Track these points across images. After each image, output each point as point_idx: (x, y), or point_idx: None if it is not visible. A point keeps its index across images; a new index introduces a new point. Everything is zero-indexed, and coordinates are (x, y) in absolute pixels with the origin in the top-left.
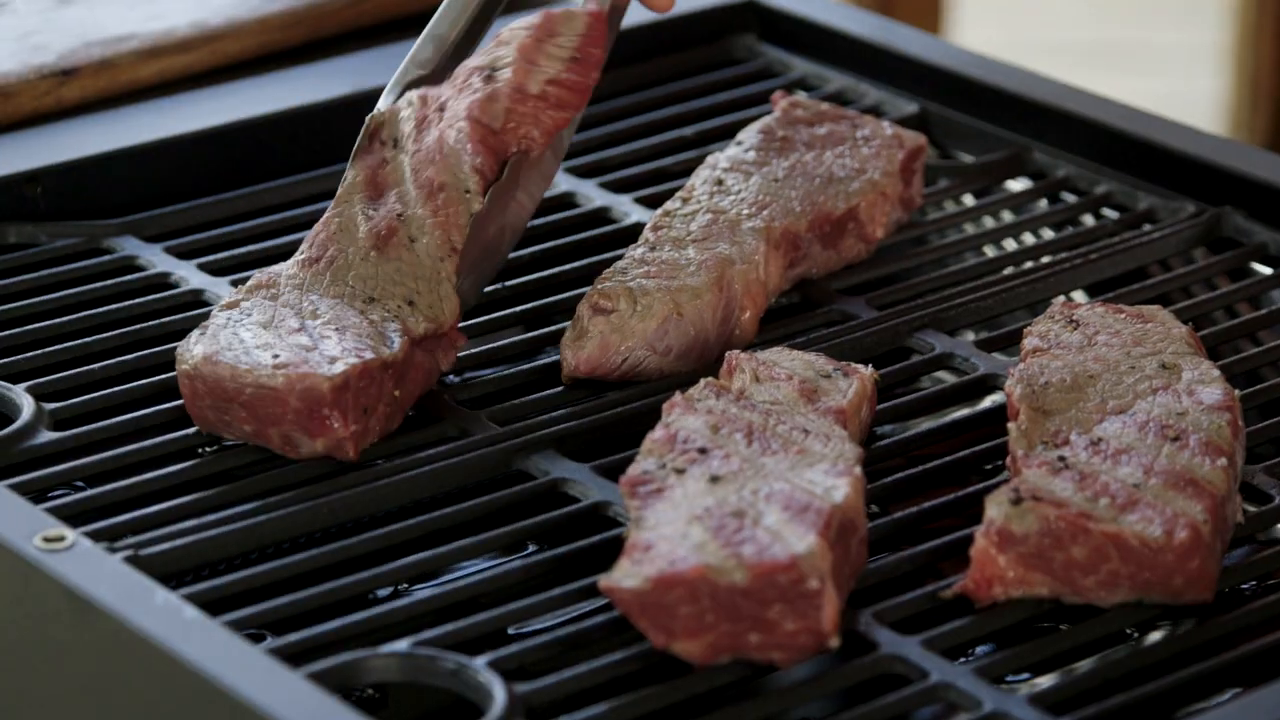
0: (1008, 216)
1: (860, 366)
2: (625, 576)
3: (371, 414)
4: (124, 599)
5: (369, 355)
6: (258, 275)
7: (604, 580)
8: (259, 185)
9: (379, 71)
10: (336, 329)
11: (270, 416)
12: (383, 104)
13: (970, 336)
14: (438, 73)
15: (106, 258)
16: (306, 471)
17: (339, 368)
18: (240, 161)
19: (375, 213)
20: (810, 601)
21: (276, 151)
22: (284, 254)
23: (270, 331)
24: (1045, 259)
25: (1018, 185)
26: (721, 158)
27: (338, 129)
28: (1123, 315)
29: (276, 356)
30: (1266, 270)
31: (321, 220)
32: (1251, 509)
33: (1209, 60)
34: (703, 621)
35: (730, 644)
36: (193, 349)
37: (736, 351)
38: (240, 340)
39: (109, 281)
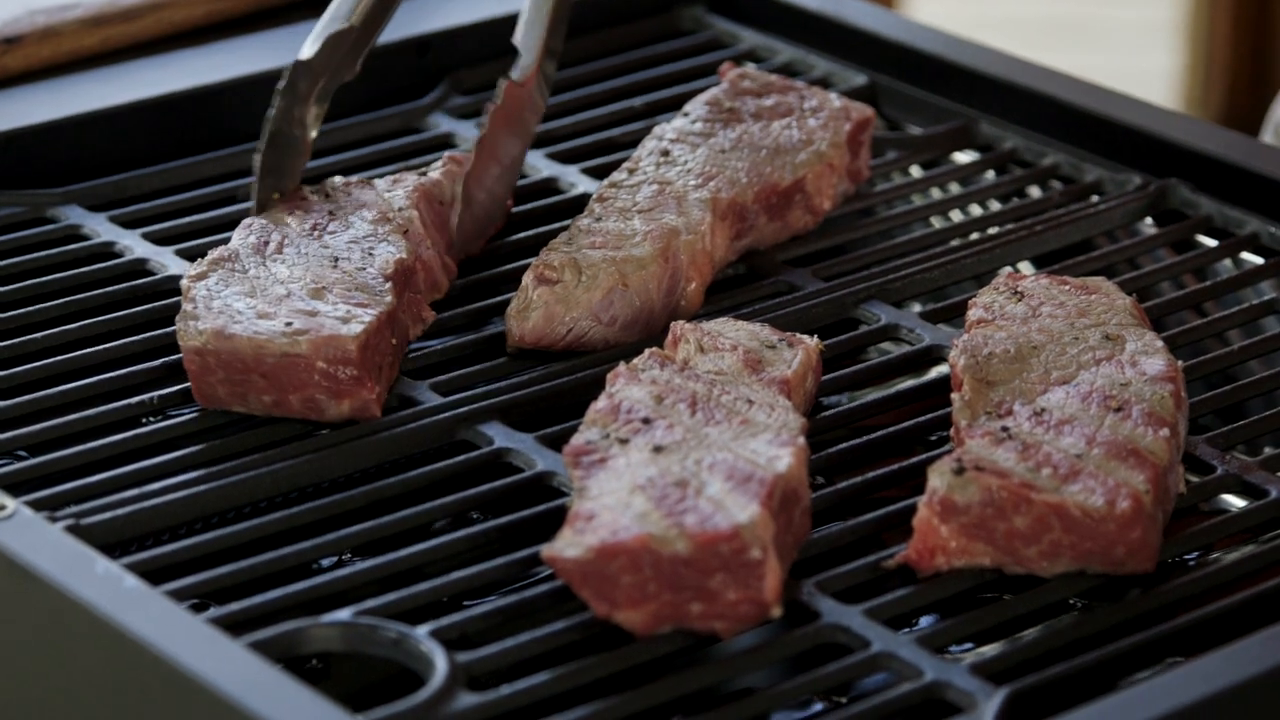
0: (955, 188)
1: (805, 337)
2: (567, 546)
3: (383, 369)
4: (64, 568)
5: (375, 310)
6: (215, 251)
7: (546, 550)
8: (204, 155)
9: None
10: (324, 288)
11: (294, 383)
12: (307, 51)
13: (917, 308)
14: (359, 28)
15: (50, 226)
16: (249, 441)
17: (356, 327)
18: (186, 131)
19: (304, 215)
20: (752, 571)
21: (222, 121)
22: (229, 224)
23: (262, 300)
24: (992, 230)
25: (965, 157)
26: (668, 129)
27: None
28: (1067, 287)
29: (289, 324)
30: (1212, 242)
31: (242, 224)
32: (1194, 479)
33: (1164, 36)
34: (645, 591)
35: (672, 614)
36: (197, 326)
37: (681, 322)
38: (240, 311)
39: (52, 250)
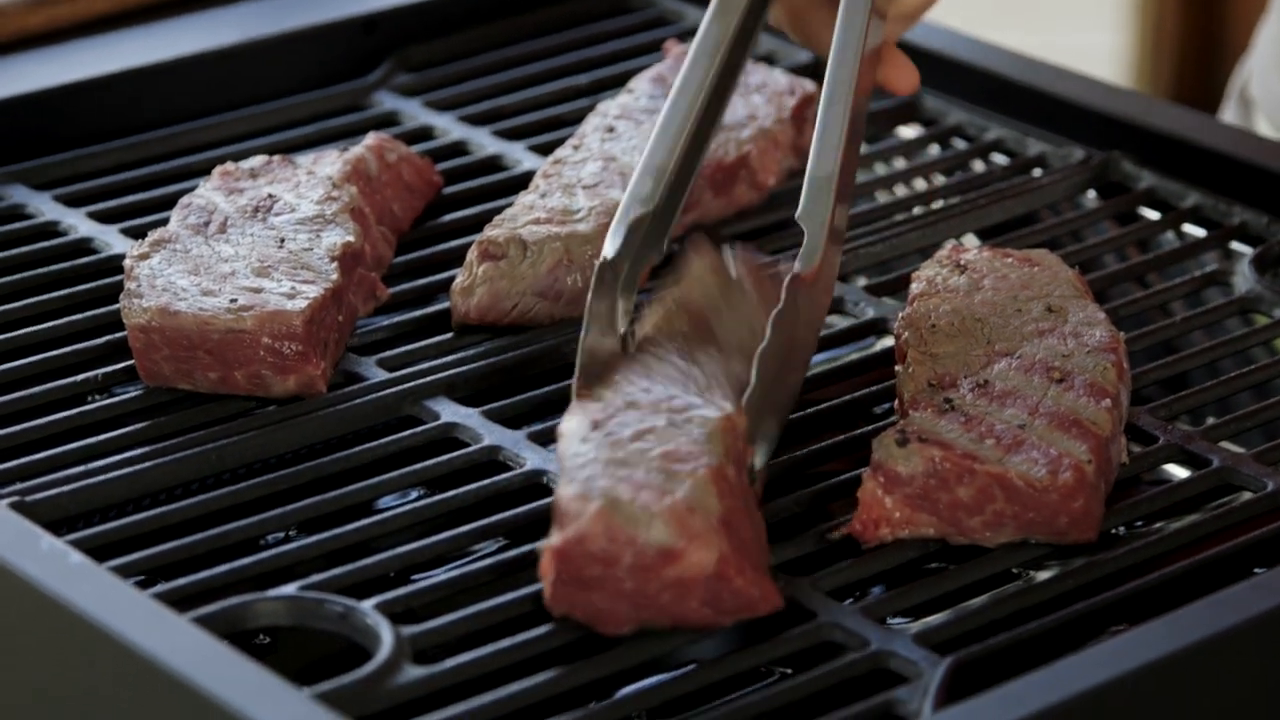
0: (899, 163)
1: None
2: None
3: (328, 346)
4: (9, 545)
5: (320, 286)
6: (155, 233)
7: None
8: (149, 133)
9: (267, 21)
10: (269, 265)
11: (239, 359)
12: (609, 248)
13: (862, 281)
14: (660, 208)
15: None
16: (194, 418)
17: (302, 302)
18: (131, 109)
19: (239, 196)
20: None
21: (167, 99)
22: (174, 202)
23: (206, 278)
24: (936, 205)
25: (909, 132)
26: (613, 105)
27: (228, 77)
28: (1010, 260)
29: (234, 300)
30: (1154, 214)
31: (179, 204)
32: (1137, 449)
33: (1114, 15)
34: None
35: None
36: (141, 303)
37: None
38: (184, 289)
39: None
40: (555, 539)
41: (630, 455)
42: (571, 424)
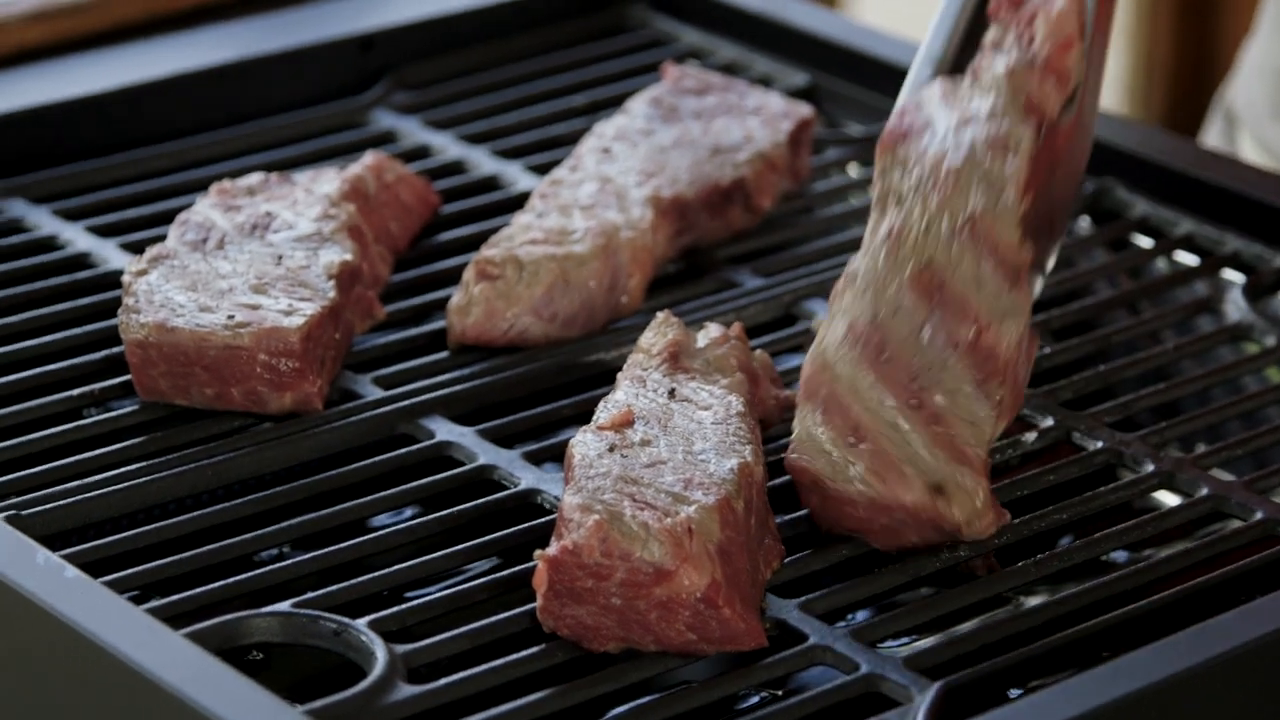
0: None
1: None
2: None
3: (325, 363)
4: (4, 560)
5: (318, 304)
6: (153, 249)
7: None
8: (148, 148)
9: (267, 38)
10: (267, 283)
11: (236, 375)
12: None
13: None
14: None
15: None
16: (190, 434)
17: (299, 319)
18: (129, 124)
19: (236, 214)
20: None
21: (166, 115)
22: (172, 217)
23: (204, 294)
24: None
25: None
26: (609, 126)
27: (227, 93)
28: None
29: (231, 317)
30: (1147, 241)
31: (176, 221)
32: (1129, 476)
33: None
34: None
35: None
36: (139, 319)
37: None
38: (182, 305)
39: None
40: (552, 548)
41: (642, 477)
42: (588, 439)
